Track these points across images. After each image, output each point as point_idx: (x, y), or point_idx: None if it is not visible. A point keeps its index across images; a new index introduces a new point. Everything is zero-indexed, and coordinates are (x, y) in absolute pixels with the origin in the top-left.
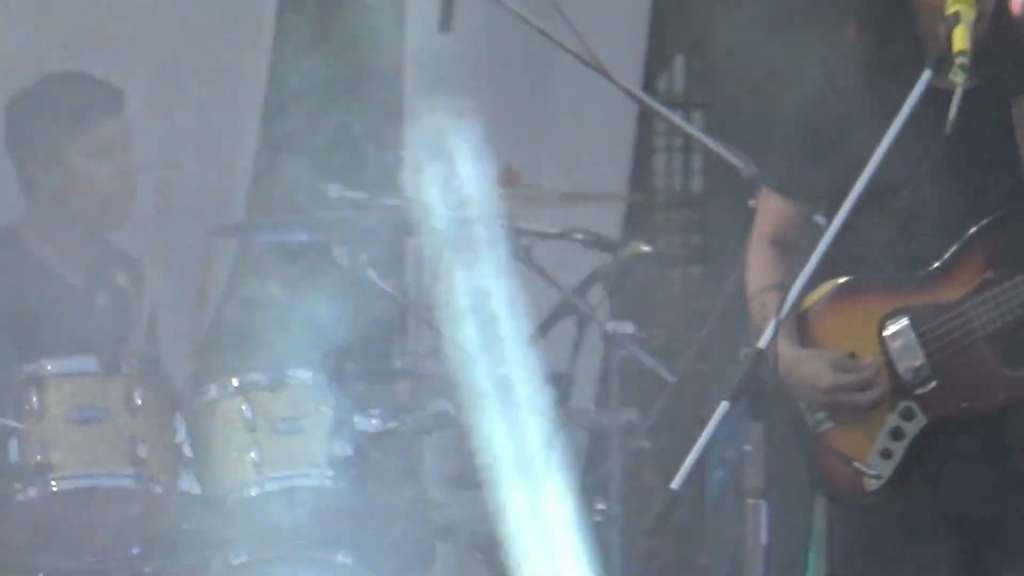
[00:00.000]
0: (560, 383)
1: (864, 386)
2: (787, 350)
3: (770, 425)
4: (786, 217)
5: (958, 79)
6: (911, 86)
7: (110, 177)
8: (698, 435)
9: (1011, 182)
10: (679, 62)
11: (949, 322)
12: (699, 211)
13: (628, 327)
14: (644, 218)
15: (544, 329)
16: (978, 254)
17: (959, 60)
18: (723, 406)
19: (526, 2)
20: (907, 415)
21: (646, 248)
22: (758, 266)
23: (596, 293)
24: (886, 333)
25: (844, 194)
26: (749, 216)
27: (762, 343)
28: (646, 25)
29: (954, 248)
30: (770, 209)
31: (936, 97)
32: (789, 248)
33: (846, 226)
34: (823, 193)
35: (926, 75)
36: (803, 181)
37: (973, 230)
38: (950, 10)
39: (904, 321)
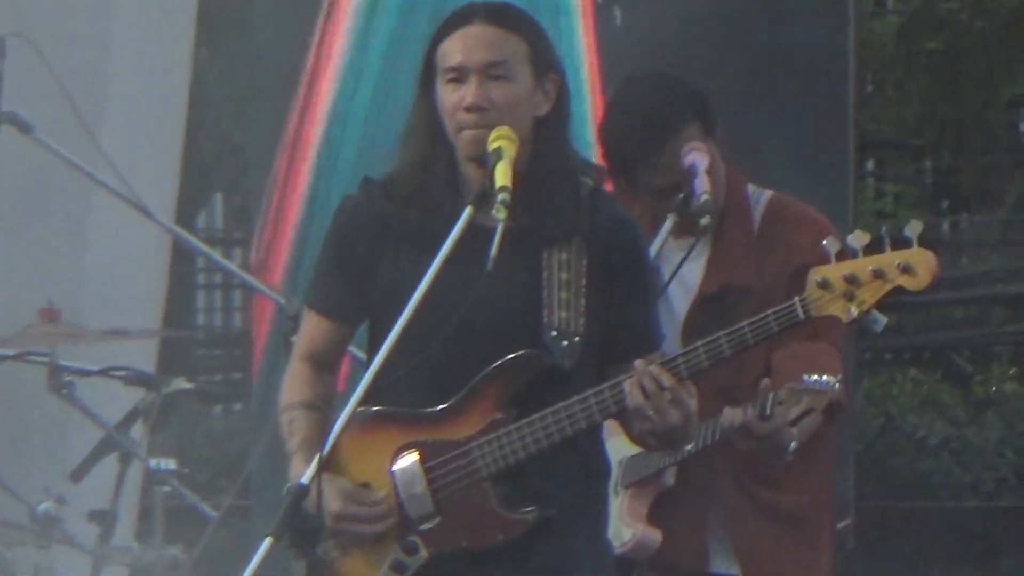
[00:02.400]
0: (103, 520)
1: (371, 518)
2: (302, 470)
3: (314, 563)
4: (323, 336)
5: (500, 215)
6: (452, 221)
7: None
8: (242, 572)
9: (530, 326)
10: (218, 199)
11: (454, 460)
12: (241, 348)
13: (170, 463)
14: (186, 355)
15: (87, 466)
16: (489, 394)
17: (501, 196)
18: (266, 542)
19: (64, 137)
20: (410, 549)
21: (188, 385)
22: (292, 382)
23: (138, 429)
24: (395, 467)
25: (377, 318)
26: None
27: (306, 479)
28: (179, 161)
29: (469, 387)
30: (308, 326)
31: (475, 233)
32: (326, 366)
33: (391, 358)
34: (359, 316)
35: (467, 210)
36: (338, 302)
37: (487, 370)
38: (492, 146)
39: (413, 456)
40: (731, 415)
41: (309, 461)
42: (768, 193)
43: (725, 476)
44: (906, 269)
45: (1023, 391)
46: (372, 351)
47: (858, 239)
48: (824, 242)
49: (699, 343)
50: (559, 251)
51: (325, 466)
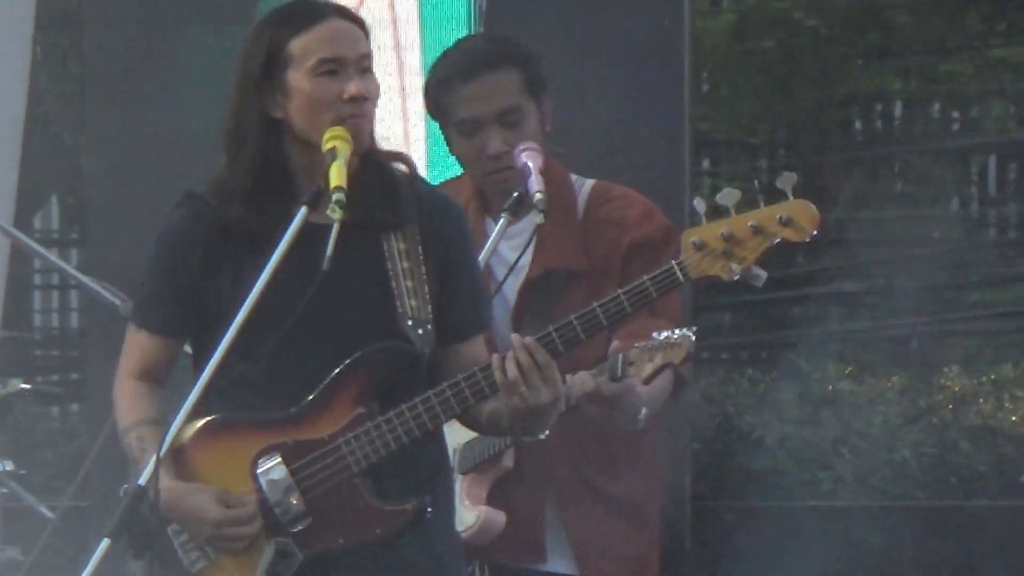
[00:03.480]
0: None
1: (246, 520)
2: (171, 483)
3: (152, 562)
4: (153, 352)
5: (335, 215)
6: (286, 221)
7: None
8: (80, 572)
9: (384, 317)
10: (53, 201)
11: (321, 459)
12: (78, 348)
13: (7, 464)
14: (22, 355)
15: None
16: (349, 390)
17: (336, 196)
18: (104, 543)
19: None
20: (284, 552)
21: (25, 385)
22: (131, 401)
23: None
24: (259, 471)
25: (216, 329)
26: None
27: (142, 479)
28: (17, 163)
29: (324, 384)
30: (138, 344)
31: (312, 233)
32: (158, 382)
33: (223, 363)
34: (189, 330)
35: (302, 211)
36: (171, 319)
37: (343, 366)
38: (327, 146)
39: (276, 459)
40: (581, 380)
41: (170, 475)
42: (591, 181)
43: (561, 460)
44: (787, 222)
45: (859, 390)
46: (206, 360)
47: (728, 196)
48: (694, 202)
49: (572, 316)
50: (397, 241)
51: (183, 477)
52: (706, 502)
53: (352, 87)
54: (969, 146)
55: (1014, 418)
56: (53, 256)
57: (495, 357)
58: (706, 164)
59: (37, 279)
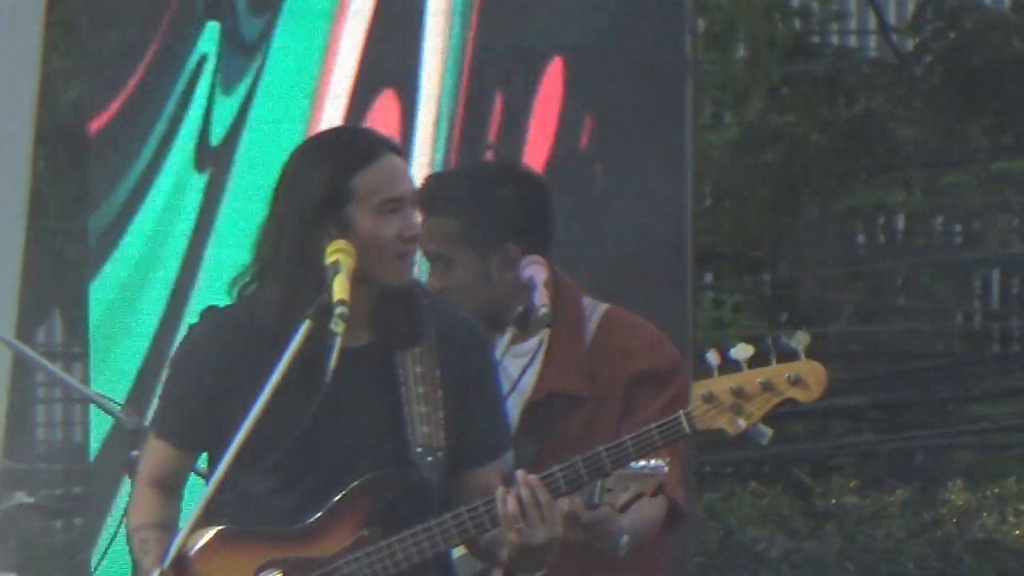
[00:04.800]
0: None
1: None
2: None
3: None
4: (169, 462)
5: (338, 328)
6: (315, 347)
7: None
8: None
9: (393, 441)
10: (56, 315)
11: None
12: (81, 462)
13: None
14: (25, 470)
15: None
16: (354, 511)
17: (339, 309)
18: None
19: None
20: None
21: (29, 499)
22: (138, 505)
23: None
24: None
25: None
26: (132, 466)
27: None
28: (18, 276)
29: (331, 504)
30: (155, 452)
31: (323, 348)
32: (172, 489)
33: (230, 475)
34: (207, 443)
35: (304, 325)
36: (189, 432)
37: (350, 488)
38: (330, 259)
39: (277, 574)
40: (559, 503)
41: None
42: (604, 305)
43: (564, 566)
44: (796, 381)
45: (863, 503)
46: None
47: (742, 352)
48: (707, 355)
49: (578, 457)
50: (413, 364)
51: None
52: None
53: (412, 228)
54: (972, 260)
55: (1017, 532)
56: (57, 369)
57: (499, 490)
58: (708, 278)
59: (41, 393)
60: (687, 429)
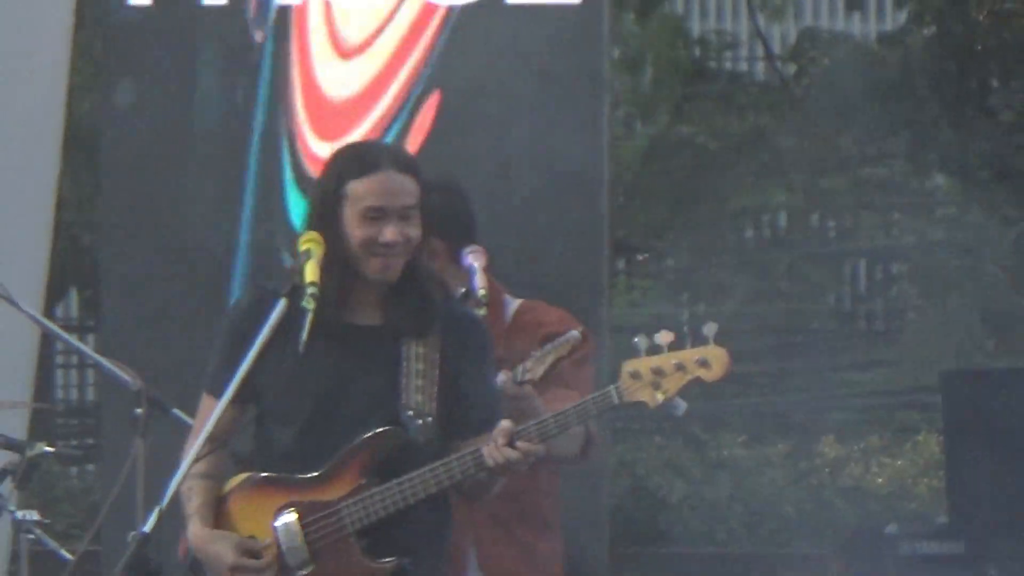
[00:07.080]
0: None
1: (261, 567)
2: (199, 530)
3: None
4: (221, 417)
5: (308, 305)
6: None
7: None
8: None
9: (390, 406)
10: (73, 293)
11: (326, 518)
12: (94, 418)
13: (34, 514)
14: (47, 423)
15: None
16: (355, 464)
17: (310, 290)
18: None
19: None
20: None
21: (49, 449)
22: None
23: (7, 486)
24: (276, 523)
25: (264, 398)
26: (135, 422)
27: (147, 527)
28: (46, 261)
29: (337, 457)
30: (205, 408)
31: (339, 325)
32: (220, 442)
33: (266, 432)
34: (250, 399)
35: (282, 303)
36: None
37: (352, 443)
38: (302, 248)
39: (292, 514)
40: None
41: (204, 522)
42: (520, 299)
43: (484, 509)
44: (703, 363)
45: (749, 455)
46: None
47: (663, 337)
48: (636, 339)
49: (531, 423)
50: (417, 345)
51: (220, 524)
52: (622, 550)
53: (387, 234)
54: (843, 251)
55: (880, 480)
56: (73, 339)
57: (485, 448)
58: (621, 265)
59: (59, 359)
60: (616, 400)
